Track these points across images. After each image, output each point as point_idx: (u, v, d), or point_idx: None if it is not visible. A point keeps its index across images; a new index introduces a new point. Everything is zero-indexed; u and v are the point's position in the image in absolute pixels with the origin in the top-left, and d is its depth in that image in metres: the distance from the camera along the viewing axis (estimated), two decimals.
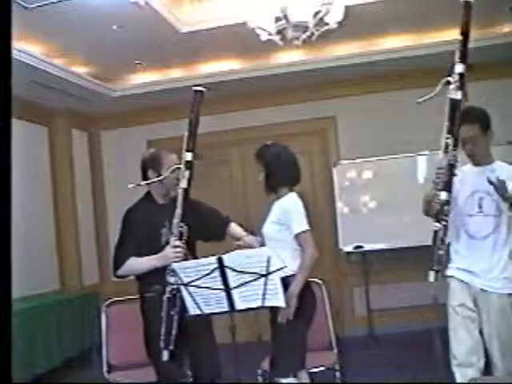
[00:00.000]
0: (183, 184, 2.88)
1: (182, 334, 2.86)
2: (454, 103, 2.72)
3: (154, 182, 3.02)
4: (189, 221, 2.88)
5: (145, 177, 3.10)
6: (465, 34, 2.71)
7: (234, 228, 3.23)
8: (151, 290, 2.90)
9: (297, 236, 2.94)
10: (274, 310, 2.90)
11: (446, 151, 2.72)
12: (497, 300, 2.84)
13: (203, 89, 2.95)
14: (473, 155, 2.96)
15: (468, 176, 2.98)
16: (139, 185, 3.07)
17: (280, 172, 3.04)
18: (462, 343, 2.88)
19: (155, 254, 2.90)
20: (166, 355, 2.80)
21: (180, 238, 2.85)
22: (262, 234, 3.09)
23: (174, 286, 2.72)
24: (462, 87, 2.70)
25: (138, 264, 2.97)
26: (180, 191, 2.88)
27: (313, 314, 3.02)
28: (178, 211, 2.85)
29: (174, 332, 2.77)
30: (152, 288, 2.89)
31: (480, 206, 2.92)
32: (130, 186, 2.98)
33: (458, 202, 2.97)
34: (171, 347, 2.78)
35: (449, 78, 2.71)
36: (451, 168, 2.74)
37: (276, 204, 3.07)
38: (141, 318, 3.05)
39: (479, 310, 2.89)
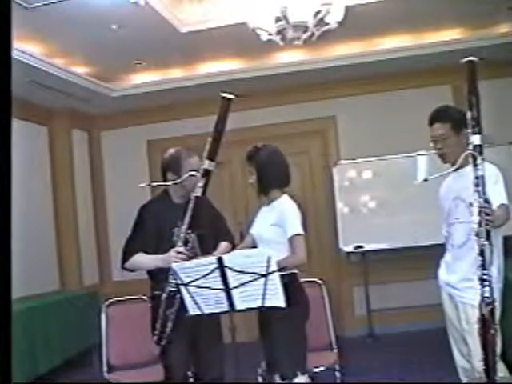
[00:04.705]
0: (197, 192, 2.81)
1: (189, 332, 2.92)
2: None
3: (164, 185, 3.01)
4: (203, 218, 2.90)
5: (164, 177, 3.09)
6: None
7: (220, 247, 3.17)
8: (160, 288, 2.89)
9: (290, 238, 2.90)
10: (263, 311, 2.87)
11: None
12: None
13: (232, 96, 2.82)
14: (442, 155, 2.87)
15: (450, 182, 2.92)
16: (149, 185, 3.05)
17: (272, 174, 3.00)
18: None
19: (165, 251, 2.90)
20: (157, 350, 2.88)
21: (185, 245, 2.84)
22: (258, 237, 3.03)
23: (173, 288, 2.72)
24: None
25: (144, 261, 3.02)
26: (193, 199, 2.82)
27: (307, 311, 2.98)
28: (187, 218, 2.81)
29: (167, 330, 2.81)
30: (161, 286, 2.88)
31: (457, 213, 2.81)
32: (142, 185, 2.94)
33: (444, 210, 2.93)
34: (163, 343, 2.84)
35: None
36: None
37: (271, 206, 3.03)
38: (142, 316, 3.07)
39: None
